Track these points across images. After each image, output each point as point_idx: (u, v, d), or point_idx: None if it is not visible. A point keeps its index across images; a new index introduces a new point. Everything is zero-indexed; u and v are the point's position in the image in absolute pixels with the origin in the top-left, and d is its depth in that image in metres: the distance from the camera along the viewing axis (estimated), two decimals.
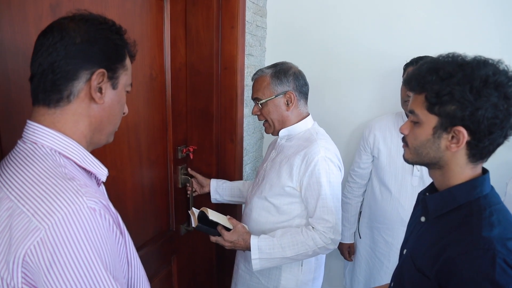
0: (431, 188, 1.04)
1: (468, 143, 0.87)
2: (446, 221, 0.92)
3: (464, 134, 0.85)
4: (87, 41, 0.77)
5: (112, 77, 0.83)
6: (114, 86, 0.84)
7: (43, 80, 0.76)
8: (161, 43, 1.64)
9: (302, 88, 1.56)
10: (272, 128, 1.60)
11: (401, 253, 1.09)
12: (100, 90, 0.81)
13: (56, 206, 0.66)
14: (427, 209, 0.98)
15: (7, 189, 0.70)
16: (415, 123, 0.94)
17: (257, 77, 1.59)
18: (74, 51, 0.76)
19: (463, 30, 1.98)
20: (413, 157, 0.98)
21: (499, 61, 0.87)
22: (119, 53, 0.84)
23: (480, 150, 0.87)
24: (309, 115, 1.61)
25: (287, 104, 1.54)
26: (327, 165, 1.46)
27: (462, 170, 0.91)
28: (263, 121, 1.63)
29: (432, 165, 0.95)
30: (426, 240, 0.95)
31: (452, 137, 0.88)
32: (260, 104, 1.56)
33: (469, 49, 0.92)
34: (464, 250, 0.82)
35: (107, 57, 0.81)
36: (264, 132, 1.69)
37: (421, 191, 1.08)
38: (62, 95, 0.77)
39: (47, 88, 0.77)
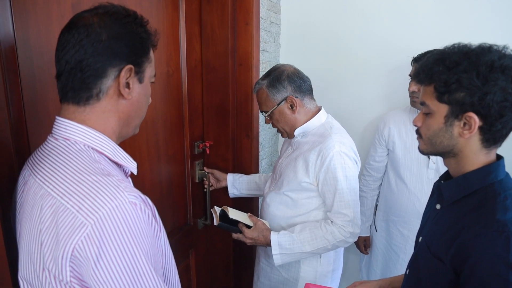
0: (446, 176, 1.05)
1: (480, 128, 0.87)
2: (461, 207, 0.93)
3: (475, 120, 0.86)
4: (113, 37, 0.77)
5: (139, 72, 0.83)
6: (140, 80, 0.84)
7: (72, 78, 0.76)
8: (177, 41, 1.67)
9: (300, 87, 1.54)
10: (285, 134, 1.62)
11: (417, 241, 1.10)
12: (127, 85, 0.81)
13: (99, 201, 0.67)
14: (442, 196, 0.99)
15: (48, 186, 0.72)
16: (427, 114, 0.95)
17: (257, 90, 1.59)
18: (101, 48, 0.75)
19: (472, 23, 1.96)
20: (427, 147, 0.99)
21: (504, 47, 0.88)
22: (144, 47, 0.83)
23: (493, 134, 0.88)
24: (320, 108, 1.60)
25: (291, 108, 1.54)
26: (342, 159, 1.46)
27: (476, 156, 0.91)
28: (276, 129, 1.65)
29: (447, 154, 0.96)
30: (441, 226, 0.96)
31: (464, 123, 0.88)
32: (267, 115, 1.59)
33: (477, 42, 0.93)
34: (478, 233, 0.83)
35: (133, 52, 0.80)
36: None
37: (436, 180, 1.09)
38: (92, 93, 0.78)
39: (76, 87, 0.77)
